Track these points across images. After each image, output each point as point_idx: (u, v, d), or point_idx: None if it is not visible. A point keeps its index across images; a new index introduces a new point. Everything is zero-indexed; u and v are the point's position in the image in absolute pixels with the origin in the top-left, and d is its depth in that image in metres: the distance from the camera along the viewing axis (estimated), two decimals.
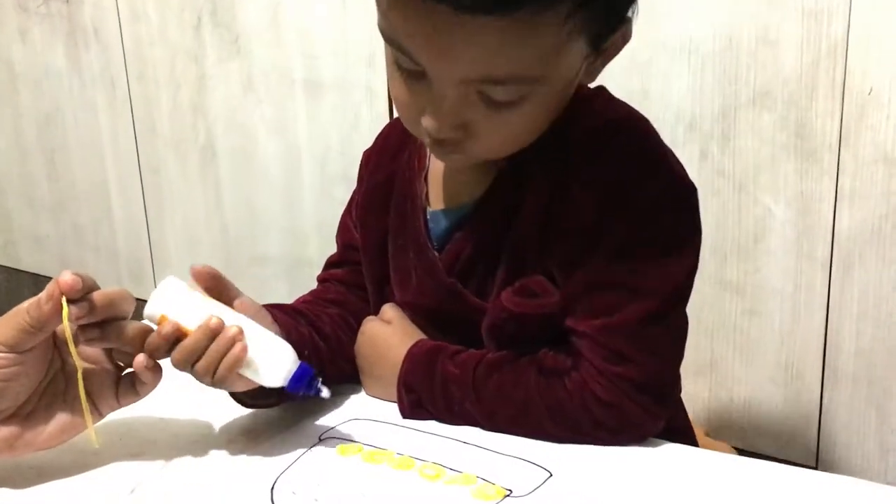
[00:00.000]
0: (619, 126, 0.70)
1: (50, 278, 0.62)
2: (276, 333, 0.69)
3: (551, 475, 0.65)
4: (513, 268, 0.71)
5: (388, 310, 0.80)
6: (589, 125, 0.69)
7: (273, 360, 0.65)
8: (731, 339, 1.28)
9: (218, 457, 0.69)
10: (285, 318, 0.74)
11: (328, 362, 0.76)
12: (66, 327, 0.60)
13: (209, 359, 0.64)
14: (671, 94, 1.25)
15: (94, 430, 0.65)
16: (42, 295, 0.60)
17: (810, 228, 1.19)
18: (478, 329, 0.74)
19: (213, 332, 0.63)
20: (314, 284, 0.88)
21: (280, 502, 0.62)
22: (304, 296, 0.84)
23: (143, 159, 1.96)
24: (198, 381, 0.66)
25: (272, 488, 0.64)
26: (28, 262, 2.27)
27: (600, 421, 0.68)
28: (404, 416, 0.74)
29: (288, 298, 0.84)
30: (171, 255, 1.99)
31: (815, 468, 1.25)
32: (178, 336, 0.64)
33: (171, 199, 1.94)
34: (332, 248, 1.80)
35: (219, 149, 1.81)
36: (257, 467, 0.67)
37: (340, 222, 0.89)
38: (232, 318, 0.65)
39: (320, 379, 0.67)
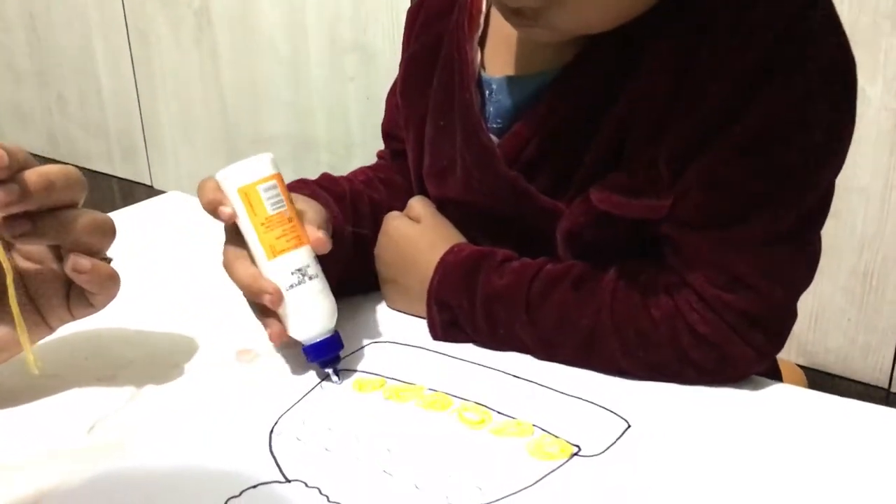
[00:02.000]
0: None
1: (37, 157, 0.47)
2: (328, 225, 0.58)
3: (630, 426, 0.50)
4: (606, 158, 0.55)
5: (417, 204, 0.64)
6: None
7: (308, 317, 0.55)
8: None
9: (203, 386, 0.55)
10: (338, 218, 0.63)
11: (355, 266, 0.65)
12: None
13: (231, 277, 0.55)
14: None
15: (31, 351, 0.50)
16: None
17: None
18: (540, 236, 0.58)
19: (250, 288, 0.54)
20: (322, 168, 0.74)
21: (280, 451, 0.49)
22: (360, 169, 0.72)
23: (132, 24, 1.78)
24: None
25: (271, 432, 0.50)
26: (11, 137, 2.12)
27: (693, 360, 0.53)
28: (435, 338, 0.60)
29: None
30: (164, 133, 1.84)
31: (888, 390, 1.12)
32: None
33: (162, 70, 1.77)
34: (342, 127, 1.65)
35: (215, 14, 1.64)
36: (253, 404, 0.53)
37: (385, 105, 0.73)
38: (297, 253, 0.55)
39: (338, 366, 0.57)
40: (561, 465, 0.47)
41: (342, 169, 1.55)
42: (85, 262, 0.49)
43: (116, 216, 0.53)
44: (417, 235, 0.62)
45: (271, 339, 0.55)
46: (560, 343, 0.56)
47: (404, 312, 0.64)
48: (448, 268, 0.59)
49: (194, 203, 0.57)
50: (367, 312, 0.64)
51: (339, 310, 0.56)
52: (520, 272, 0.57)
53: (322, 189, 0.64)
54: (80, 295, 0.52)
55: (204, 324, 0.62)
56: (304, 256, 0.55)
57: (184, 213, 0.81)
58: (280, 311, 0.55)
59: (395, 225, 0.64)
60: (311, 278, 0.55)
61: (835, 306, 1.14)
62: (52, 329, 0.53)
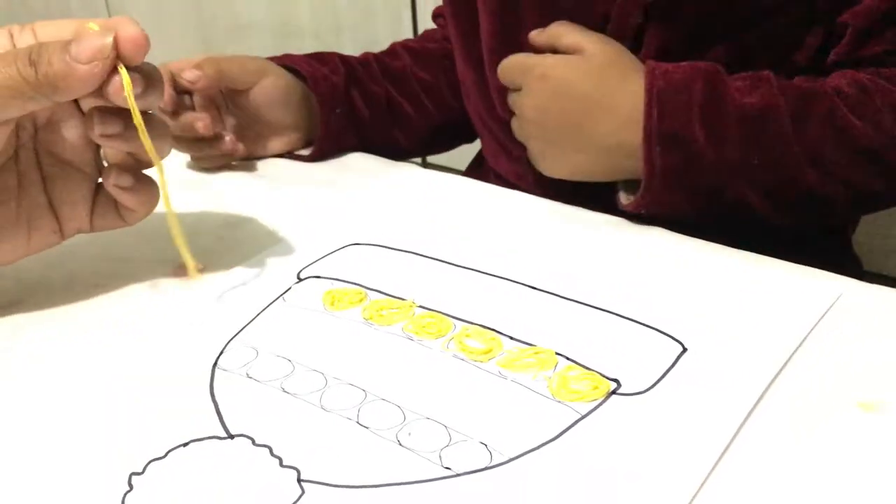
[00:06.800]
0: None
1: None
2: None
3: (685, 350, 0.38)
4: None
5: (566, 30, 0.49)
6: None
7: None
8: None
9: (131, 302, 0.43)
10: (312, 66, 0.61)
11: (372, 128, 0.64)
12: (131, 101, 0.37)
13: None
14: None
15: (189, 255, 0.43)
16: (81, 44, 0.35)
17: None
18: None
19: None
20: None
21: (224, 394, 0.37)
22: (411, 39, 0.71)
23: None
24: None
25: (214, 366, 0.38)
26: None
27: None
28: (640, 207, 0.48)
29: None
30: None
31: None
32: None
33: None
34: (329, 11, 1.48)
35: None
36: (193, 329, 0.41)
37: None
38: None
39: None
40: (594, 409, 0.35)
41: None
42: (127, 179, 0.41)
43: None
44: (594, 71, 0.47)
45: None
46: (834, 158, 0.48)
47: (569, 177, 0.51)
48: (668, 93, 0.45)
49: None
50: (356, 198, 0.51)
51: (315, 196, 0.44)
52: (768, 84, 0.46)
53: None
54: (108, 204, 0.43)
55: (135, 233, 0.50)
56: None
57: None
58: None
59: (552, 65, 0.48)
60: None
61: None
62: (63, 238, 0.44)
